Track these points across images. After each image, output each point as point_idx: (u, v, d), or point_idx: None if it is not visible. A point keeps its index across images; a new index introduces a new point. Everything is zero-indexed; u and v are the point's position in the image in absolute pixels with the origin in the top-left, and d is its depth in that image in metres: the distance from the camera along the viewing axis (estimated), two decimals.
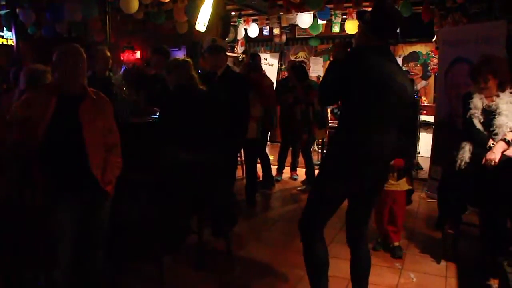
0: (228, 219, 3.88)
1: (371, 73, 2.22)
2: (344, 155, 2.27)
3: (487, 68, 3.09)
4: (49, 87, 2.38)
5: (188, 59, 3.49)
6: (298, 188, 5.69)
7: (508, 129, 3.01)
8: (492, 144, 3.05)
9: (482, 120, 3.11)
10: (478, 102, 3.13)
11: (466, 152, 3.18)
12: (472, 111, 3.14)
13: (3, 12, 6.92)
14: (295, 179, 6.03)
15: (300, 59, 9.50)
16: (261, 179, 5.62)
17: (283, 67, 9.63)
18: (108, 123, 2.44)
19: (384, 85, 2.20)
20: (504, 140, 2.98)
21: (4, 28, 7.70)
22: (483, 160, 2.99)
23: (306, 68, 6.68)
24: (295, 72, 5.60)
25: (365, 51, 2.28)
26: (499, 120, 3.04)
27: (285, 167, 6.12)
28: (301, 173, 5.96)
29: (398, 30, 2.51)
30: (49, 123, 2.21)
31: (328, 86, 2.34)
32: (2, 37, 8.47)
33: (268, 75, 6.08)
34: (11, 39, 7.61)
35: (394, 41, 2.30)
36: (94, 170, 2.30)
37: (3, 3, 6.82)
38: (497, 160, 2.94)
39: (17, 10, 6.03)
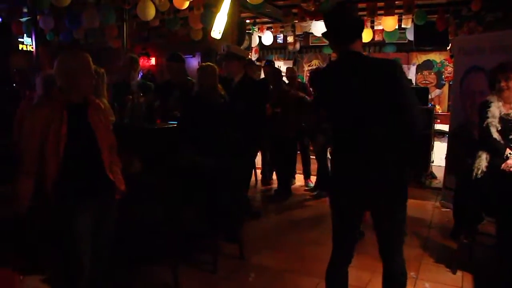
0: (235, 222, 3.89)
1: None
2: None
3: (510, 68, 3.07)
4: (56, 99, 2.28)
5: (213, 64, 3.57)
6: (306, 189, 5.88)
7: None
8: (510, 153, 3.03)
9: (499, 128, 3.09)
10: (495, 111, 3.11)
11: (482, 161, 3.16)
12: (489, 120, 3.12)
13: (24, 19, 7.09)
14: (310, 187, 6.00)
15: (314, 66, 9.53)
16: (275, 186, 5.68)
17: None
18: (108, 124, 2.48)
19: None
20: None
21: (25, 35, 7.90)
22: (503, 165, 2.98)
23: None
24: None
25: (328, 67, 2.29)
26: None
27: (298, 174, 6.14)
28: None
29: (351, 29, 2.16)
30: (67, 138, 2.20)
31: None
32: (22, 43, 8.69)
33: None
34: (30, 45, 7.80)
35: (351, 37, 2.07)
36: (108, 172, 2.36)
37: (25, 10, 7.00)
38: None
39: (38, 17, 6.17)
